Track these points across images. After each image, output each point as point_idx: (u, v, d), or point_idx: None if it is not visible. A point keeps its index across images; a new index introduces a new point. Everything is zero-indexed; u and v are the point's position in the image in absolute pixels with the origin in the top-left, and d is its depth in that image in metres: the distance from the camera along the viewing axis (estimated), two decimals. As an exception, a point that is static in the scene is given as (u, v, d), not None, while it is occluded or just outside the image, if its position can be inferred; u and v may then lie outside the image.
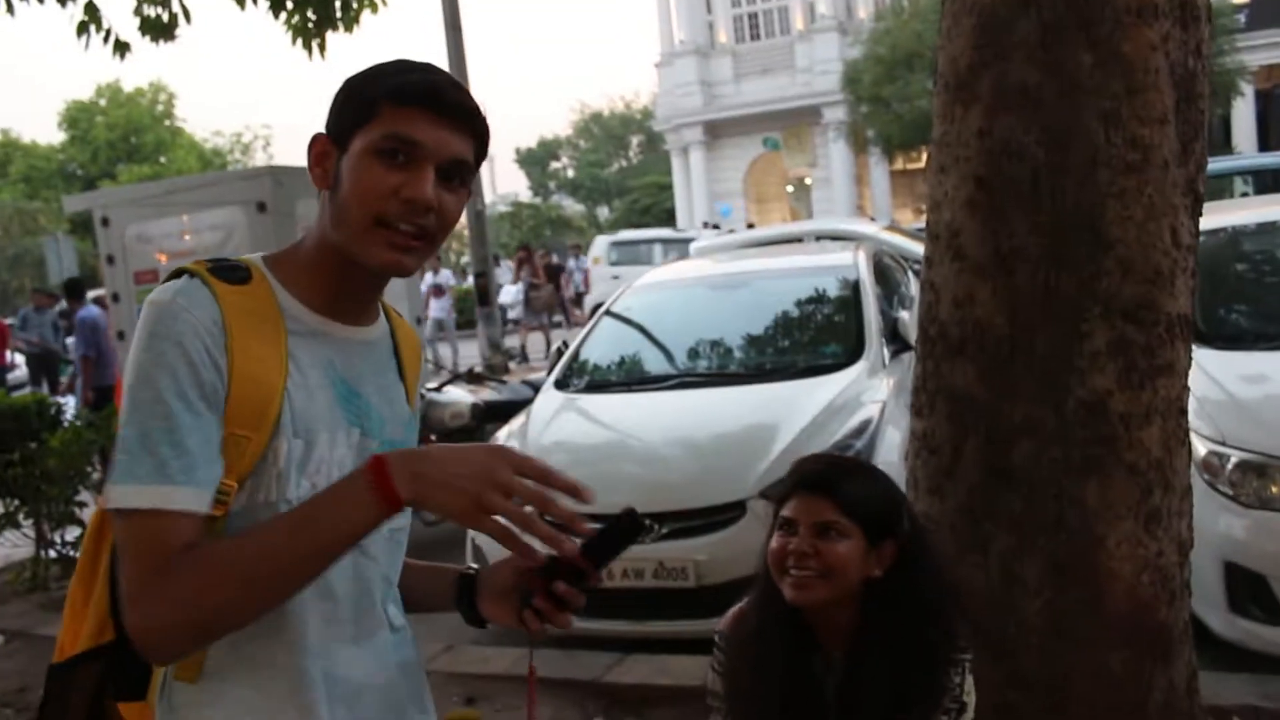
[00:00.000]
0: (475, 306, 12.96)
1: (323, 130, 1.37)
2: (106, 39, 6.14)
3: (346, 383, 1.40)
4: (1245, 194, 12.84)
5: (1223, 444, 3.71)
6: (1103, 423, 2.50)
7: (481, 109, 1.38)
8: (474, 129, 1.37)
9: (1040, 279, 2.54)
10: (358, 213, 1.32)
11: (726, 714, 2.06)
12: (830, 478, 1.97)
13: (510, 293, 21.98)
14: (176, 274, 1.32)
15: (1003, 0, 2.57)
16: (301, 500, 1.30)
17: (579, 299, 23.51)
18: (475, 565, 1.59)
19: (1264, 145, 27.35)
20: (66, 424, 6.11)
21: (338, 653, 1.38)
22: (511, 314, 21.61)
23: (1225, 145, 25.88)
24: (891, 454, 4.49)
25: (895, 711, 1.89)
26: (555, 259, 25.01)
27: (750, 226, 25.96)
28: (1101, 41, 2.50)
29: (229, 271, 1.34)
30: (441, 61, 11.70)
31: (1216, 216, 4.63)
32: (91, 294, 15.97)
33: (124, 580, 1.23)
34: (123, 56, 6.31)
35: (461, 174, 1.36)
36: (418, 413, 1.57)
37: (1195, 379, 2.68)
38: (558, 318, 23.39)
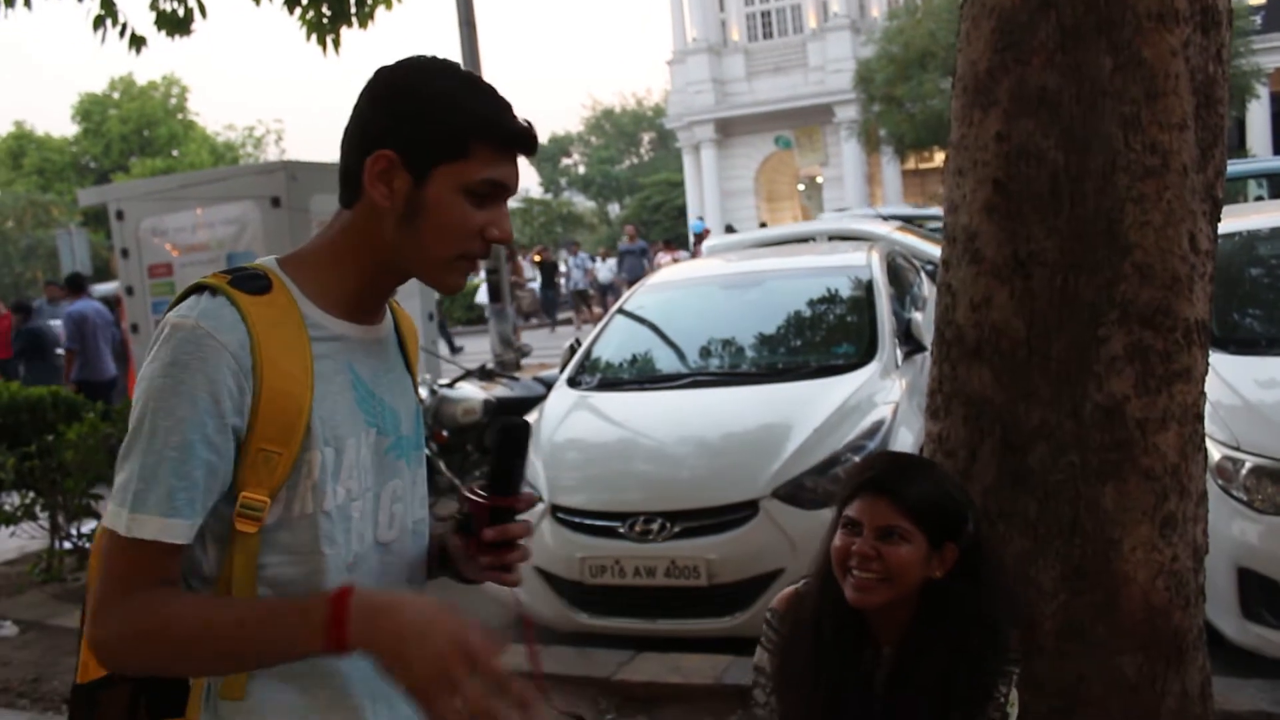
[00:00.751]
0: (488, 303, 12.95)
1: (385, 146, 1.34)
2: (122, 33, 6.17)
3: (365, 384, 1.41)
4: (1260, 197, 12.79)
5: (1237, 449, 3.70)
6: (1119, 427, 2.50)
7: None
8: None
9: (1058, 283, 2.54)
10: (443, 250, 1.35)
11: (772, 692, 2.07)
12: (895, 479, 1.99)
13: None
14: (196, 288, 1.32)
15: (1022, 4, 2.57)
16: (339, 509, 1.34)
17: (584, 296, 23.47)
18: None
19: (1279, 148, 27.22)
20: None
21: None
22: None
23: (1239, 148, 25.78)
24: (904, 455, 4.49)
25: (940, 712, 1.90)
26: (549, 255, 24.99)
27: (762, 225, 25.96)
28: (1122, 46, 2.50)
29: (249, 282, 1.33)
30: (455, 58, 11.70)
31: (1231, 221, 4.62)
32: (105, 287, 16.04)
33: (93, 591, 1.28)
34: (138, 51, 6.34)
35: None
36: (419, 402, 1.59)
37: (1210, 384, 2.68)
38: (565, 315, 23.30)
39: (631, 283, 20.97)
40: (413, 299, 8.58)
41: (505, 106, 1.36)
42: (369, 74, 1.40)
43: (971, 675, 1.93)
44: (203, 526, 1.29)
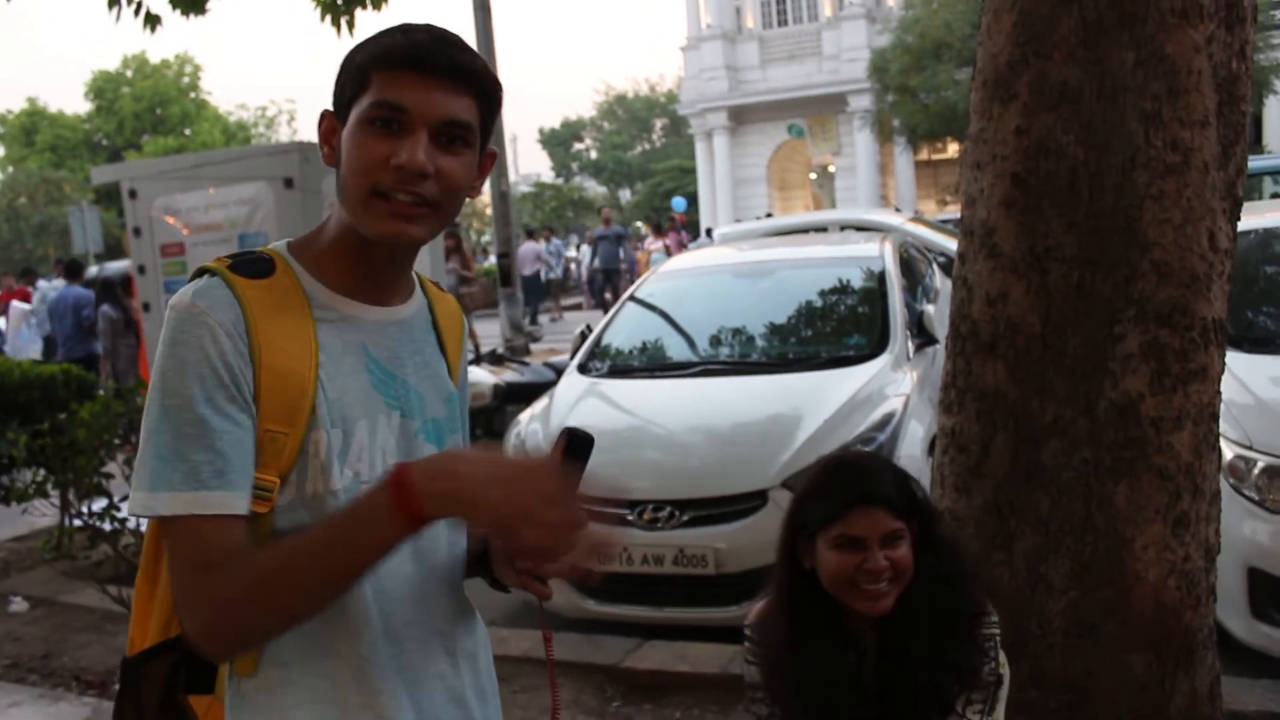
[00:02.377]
0: (498, 287, 12.95)
1: (329, 107, 1.36)
2: (137, 11, 6.15)
3: (382, 365, 1.38)
4: (1276, 194, 12.72)
5: (1249, 448, 3.69)
6: (1133, 425, 2.49)
7: (479, 65, 1.33)
8: (473, 87, 1.32)
9: (1075, 279, 2.53)
10: (355, 186, 1.30)
11: (770, 703, 2.08)
12: (876, 485, 1.96)
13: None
14: (199, 273, 1.32)
15: (1045, -2, 2.56)
16: (346, 491, 1.31)
17: (562, 284, 22.78)
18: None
19: (1295, 144, 27.02)
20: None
21: (402, 639, 1.38)
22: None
23: (1256, 144, 25.59)
24: (914, 448, 4.49)
25: (938, 684, 1.90)
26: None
27: (768, 215, 25.74)
28: (1144, 41, 2.48)
29: (249, 265, 1.32)
30: (470, 42, 11.68)
31: (1247, 218, 4.58)
32: (118, 265, 16.09)
33: (173, 586, 1.26)
34: (153, 29, 6.33)
35: (462, 135, 1.32)
36: (464, 387, 1.56)
37: (1223, 382, 2.67)
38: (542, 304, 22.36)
39: (606, 271, 20.69)
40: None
41: (411, 31, 1.31)
42: None
43: (960, 639, 1.93)
44: None
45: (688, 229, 26.32)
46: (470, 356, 7.28)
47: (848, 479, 2.00)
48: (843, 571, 1.91)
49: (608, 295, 20.45)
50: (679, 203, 24.05)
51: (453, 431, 1.48)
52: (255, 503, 1.27)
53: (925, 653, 1.90)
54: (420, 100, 1.28)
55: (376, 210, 1.29)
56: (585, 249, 23.97)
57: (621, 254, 21.02)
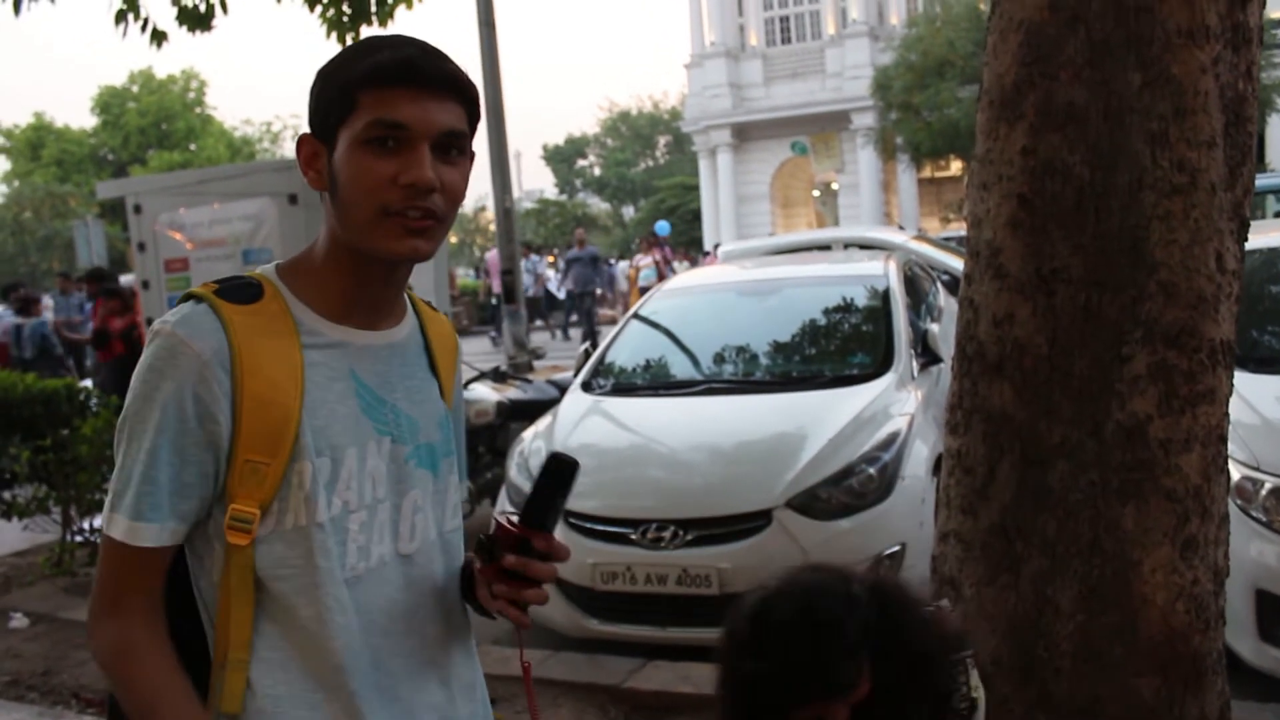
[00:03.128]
0: (500, 304, 12.94)
1: (307, 131, 1.34)
2: (144, 28, 6.18)
3: (372, 390, 1.36)
4: (1279, 213, 12.71)
5: (1257, 469, 3.67)
6: (1141, 447, 2.47)
7: (463, 72, 1.33)
8: (461, 95, 1.32)
9: (1081, 300, 2.52)
10: (362, 208, 1.29)
11: None
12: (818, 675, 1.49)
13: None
14: (186, 298, 1.32)
15: (1051, 18, 2.55)
16: (333, 521, 1.32)
17: (538, 303, 21.68)
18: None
19: (1299, 163, 27.04)
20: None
21: (394, 671, 1.36)
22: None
23: (1259, 162, 25.57)
24: (919, 467, 4.48)
25: None
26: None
27: (770, 236, 25.66)
28: (1151, 62, 2.48)
29: (237, 291, 1.32)
30: (474, 58, 11.71)
31: (1251, 238, 4.57)
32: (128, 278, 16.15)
33: (93, 593, 1.32)
34: (159, 46, 6.36)
35: (458, 144, 1.32)
36: (459, 407, 1.54)
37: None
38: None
39: (581, 294, 20.10)
40: (426, 295, 8.56)
41: (401, 47, 1.29)
42: None
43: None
44: (207, 531, 1.30)
45: (691, 246, 26.33)
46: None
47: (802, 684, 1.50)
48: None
49: (573, 317, 19.97)
50: (662, 226, 23.94)
51: (447, 455, 1.47)
52: (234, 534, 1.28)
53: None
54: (417, 115, 1.27)
55: (388, 229, 1.29)
56: (551, 272, 22.93)
57: (597, 277, 20.16)
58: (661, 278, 19.47)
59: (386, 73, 1.27)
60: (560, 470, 1.35)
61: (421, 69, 1.28)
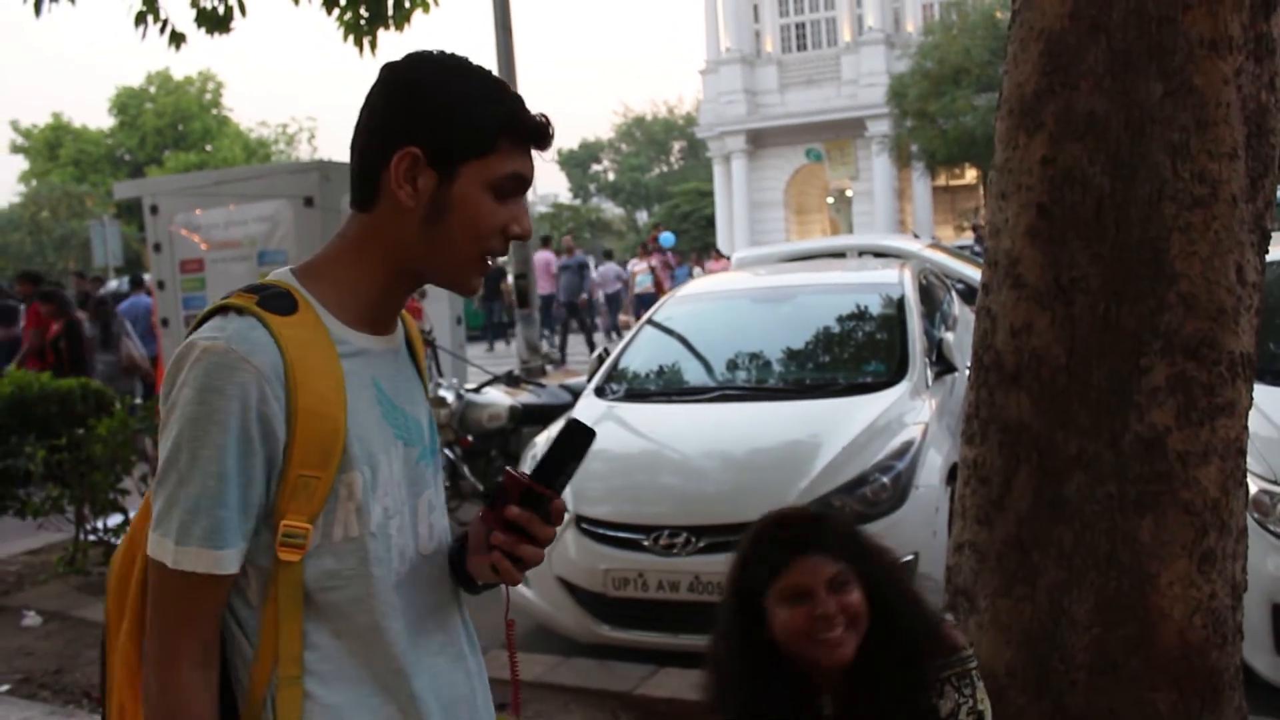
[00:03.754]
0: (514, 309, 12.96)
1: (410, 144, 1.31)
2: (163, 30, 6.20)
3: (388, 397, 1.39)
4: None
5: (1274, 482, 3.64)
6: (1159, 460, 2.46)
7: None
8: None
9: (1100, 311, 2.50)
10: (470, 247, 1.34)
11: None
12: (813, 533, 1.93)
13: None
14: (221, 309, 1.29)
15: (1072, 27, 2.54)
16: (380, 528, 1.33)
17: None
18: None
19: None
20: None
21: (432, 664, 1.40)
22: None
23: None
24: (933, 476, 4.46)
25: None
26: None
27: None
28: (1173, 73, 2.47)
29: (277, 301, 1.31)
30: (491, 62, 11.74)
31: (1272, 249, 4.55)
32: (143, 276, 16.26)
33: (152, 633, 1.27)
34: (178, 47, 6.38)
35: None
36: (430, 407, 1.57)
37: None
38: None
39: (569, 304, 19.28)
40: (439, 302, 8.59)
41: (522, 102, 1.36)
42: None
43: (924, 686, 1.88)
44: (250, 550, 1.28)
45: (704, 252, 26.22)
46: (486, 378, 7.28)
47: (780, 533, 1.96)
48: (795, 624, 1.86)
49: (572, 324, 19.52)
50: (667, 238, 23.71)
51: (434, 453, 1.49)
52: (286, 551, 1.28)
53: (893, 705, 1.85)
54: (532, 173, 1.37)
55: (480, 269, 1.37)
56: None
57: (587, 285, 19.67)
58: (658, 284, 19.34)
59: (530, 131, 1.35)
60: (576, 437, 1.38)
61: (551, 137, 1.38)
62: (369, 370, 1.36)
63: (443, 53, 1.37)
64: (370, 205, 1.36)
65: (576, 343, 19.57)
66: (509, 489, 1.36)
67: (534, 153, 1.38)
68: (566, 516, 4.46)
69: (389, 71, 1.36)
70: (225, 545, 1.24)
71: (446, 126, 1.31)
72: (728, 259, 20.93)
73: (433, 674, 1.39)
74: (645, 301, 19.69)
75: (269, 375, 1.24)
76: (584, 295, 19.66)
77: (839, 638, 1.85)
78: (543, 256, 21.07)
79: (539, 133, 1.35)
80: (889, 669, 1.87)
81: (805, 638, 1.86)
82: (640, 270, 20.17)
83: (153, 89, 45.08)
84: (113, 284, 19.40)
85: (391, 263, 1.36)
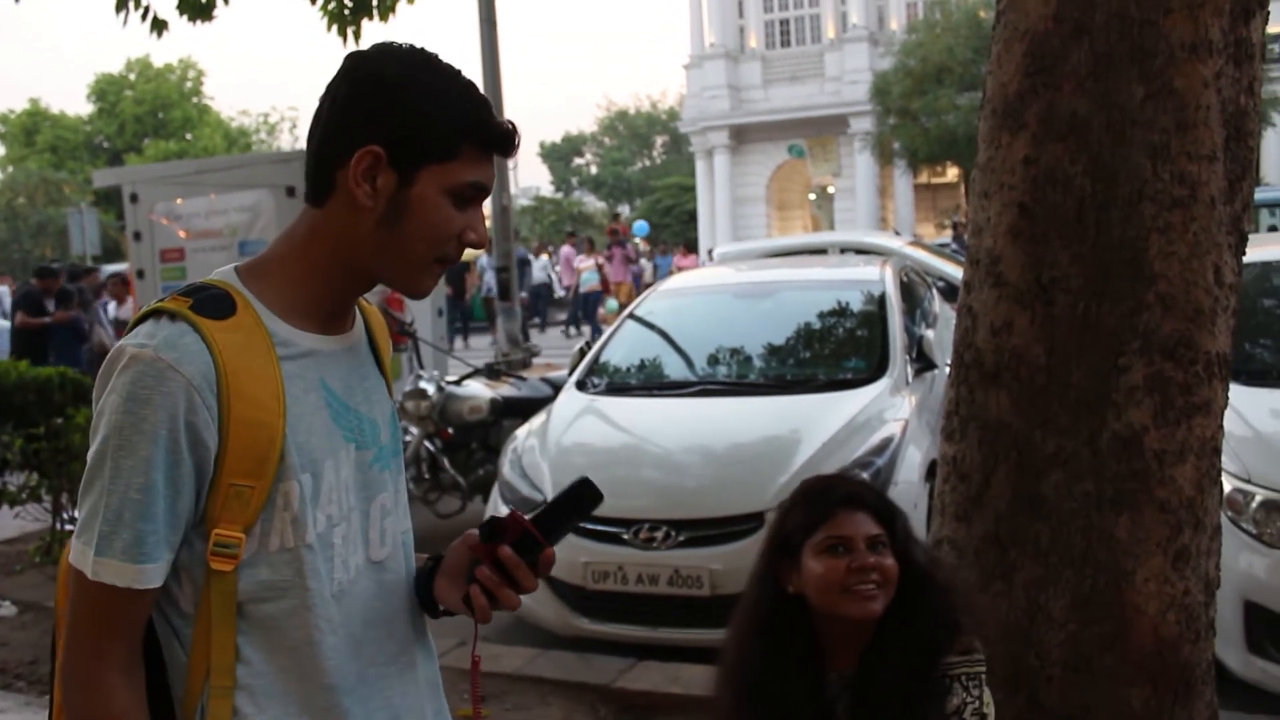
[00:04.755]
0: (495, 300, 12.95)
1: (371, 142, 1.27)
2: (144, 16, 6.15)
3: (339, 398, 1.34)
4: (1273, 227, 12.76)
5: (1248, 481, 3.69)
6: (1136, 458, 2.48)
7: None
8: None
9: (1080, 310, 2.53)
10: (424, 252, 1.31)
11: None
12: (862, 491, 2.02)
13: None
14: (154, 313, 1.24)
15: (1055, 29, 2.56)
16: (320, 538, 1.29)
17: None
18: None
19: (1293, 177, 27.13)
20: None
21: (375, 680, 1.36)
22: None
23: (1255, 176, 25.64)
24: (912, 473, 4.49)
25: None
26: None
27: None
28: (1154, 75, 2.49)
29: (212, 305, 1.25)
30: (475, 56, 11.72)
31: (1248, 251, 4.60)
32: (113, 268, 16.12)
33: (72, 637, 1.23)
34: (160, 35, 6.32)
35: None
36: (395, 401, 1.54)
37: (1223, 415, 2.66)
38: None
39: (503, 298, 19.35)
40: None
41: (488, 106, 1.33)
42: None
43: (935, 679, 1.91)
44: (177, 562, 1.24)
45: (688, 246, 26.09)
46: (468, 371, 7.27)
47: (831, 487, 2.05)
48: (833, 574, 1.90)
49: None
50: (641, 226, 23.42)
51: (396, 454, 1.44)
52: (218, 560, 1.24)
53: (894, 689, 1.88)
54: (492, 181, 1.34)
55: (432, 273, 1.33)
56: (489, 274, 22.67)
57: (525, 279, 19.07)
58: (604, 282, 19.09)
59: (494, 138, 1.32)
60: (584, 495, 1.38)
61: (515, 145, 1.35)
62: (316, 372, 1.31)
63: (412, 47, 1.33)
64: (324, 200, 1.32)
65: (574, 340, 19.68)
66: (509, 527, 1.34)
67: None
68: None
69: (355, 62, 1.31)
70: (147, 560, 1.20)
71: (411, 128, 1.27)
72: (695, 254, 20.69)
73: (373, 688, 1.35)
74: (590, 300, 19.46)
75: (198, 383, 1.20)
76: (524, 295, 19.37)
77: (872, 592, 1.89)
78: (567, 251, 21.08)
79: (504, 140, 1.33)
80: (902, 653, 1.90)
81: (838, 589, 1.90)
82: (586, 267, 19.76)
83: (132, 76, 44.70)
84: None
85: (342, 261, 1.32)
